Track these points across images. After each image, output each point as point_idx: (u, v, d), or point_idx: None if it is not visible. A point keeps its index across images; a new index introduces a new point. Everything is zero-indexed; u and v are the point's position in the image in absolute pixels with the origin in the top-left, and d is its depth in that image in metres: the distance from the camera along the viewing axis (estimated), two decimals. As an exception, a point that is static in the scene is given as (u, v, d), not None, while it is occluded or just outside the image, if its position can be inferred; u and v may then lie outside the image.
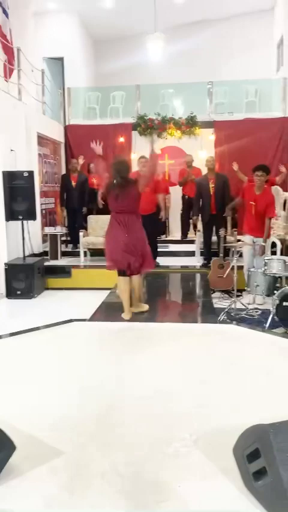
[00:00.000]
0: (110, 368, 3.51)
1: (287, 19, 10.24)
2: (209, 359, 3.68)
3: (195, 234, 8.27)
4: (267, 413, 2.30)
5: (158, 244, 8.19)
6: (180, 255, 8.55)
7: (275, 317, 4.93)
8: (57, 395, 3.07)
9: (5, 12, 7.41)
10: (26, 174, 6.47)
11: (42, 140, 8.56)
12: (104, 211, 8.40)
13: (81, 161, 8.84)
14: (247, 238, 6.08)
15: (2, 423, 2.22)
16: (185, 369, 3.45)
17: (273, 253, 6.60)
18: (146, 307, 5.07)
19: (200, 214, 7.43)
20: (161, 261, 7.80)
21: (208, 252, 7.50)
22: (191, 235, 9.07)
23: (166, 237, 9.68)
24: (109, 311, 5.25)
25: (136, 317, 5.04)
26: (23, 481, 2.14)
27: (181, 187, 9.03)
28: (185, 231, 9.28)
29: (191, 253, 8.33)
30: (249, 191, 6.02)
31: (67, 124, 10.34)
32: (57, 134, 9.63)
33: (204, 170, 8.59)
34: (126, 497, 2.05)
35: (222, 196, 7.18)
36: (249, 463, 1.97)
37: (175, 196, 9.48)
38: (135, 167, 9.34)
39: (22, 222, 6.66)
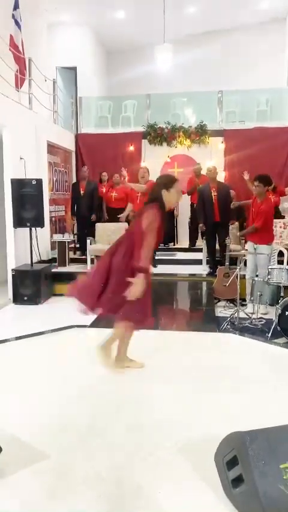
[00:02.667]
0: (103, 374, 3.54)
1: (298, 29, 10.26)
2: (204, 367, 3.69)
3: (203, 242, 8.28)
4: (254, 422, 2.30)
5: (166, 253, 8.23)
6: (188, 263, 8.55)
7: (278, 327, 4.91)
8: (48, 400, 3.12)
9: (17, 23, 7.57)
10: (34, 182, 6.57)
11: (52, 148, 8.69)
12: (110, 219, 8.51)
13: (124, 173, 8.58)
14: (249, 246, 6.07)
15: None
16: (178, 378, 3.47)
17: (281, 262, 6.57)
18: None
19: (204, 222, 7.47)
20: (169, 269, 7.83)
21: (213, 260, 7.50)
22: (199, 243, 9.07)
23: (174, 245, 9.70)
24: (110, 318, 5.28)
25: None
26: (6, 484, 2.19)
27: (189, 196, 9.05)
28: (193, 239, 9.29)
29: (199, 262, 8.33)
30: (254, 200, 6.06)
31: (78, 132, 10.48)
32: (68, 143, 9.76)
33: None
34: (107, 502, 2.07)
35: (225, 205, 7.19)
36: (229, 470, 1.98)
37: (183, 204, 9.51)
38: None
39: (30, 229, 6.75)
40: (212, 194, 7.24)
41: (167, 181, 3.41)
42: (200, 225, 7.63)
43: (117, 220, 8.25)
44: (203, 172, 8.81)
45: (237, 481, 1.91)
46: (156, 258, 3.48)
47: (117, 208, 8.47)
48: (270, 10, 11.00)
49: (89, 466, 2.33)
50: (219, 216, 7.22)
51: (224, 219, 7.20)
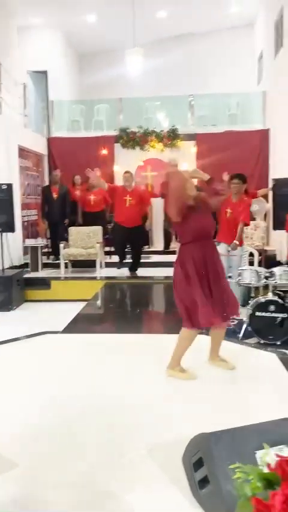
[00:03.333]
0: (76, 380, 3.53)
1: (266, 34, 10.45)
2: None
3: (177, 244, 8.33)
4: (223, 422, 2.32)
5: (141, 255, 8.24)
6: (163, 265, 8.59)
7: (249, 327, 4.97)
8: (20, 406, 3.08)
9: (-15, 27, 7.51)
10: (4, 187, 6.51)
11: (24, 152, 8.62)
12: (87, 223, 8.46)
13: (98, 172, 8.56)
14: (222, 247, 6.13)
15: None
16: (150, 380, 3.48)
17: (251, 263, 6.65)
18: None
19: None
20: (144, 271, 7.86)
21: None
22: (173, 245, 9.13)
23: (149, 247, 9.74)
24: (83, 323, 5.27)
25: (113, 328, 5.08)
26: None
27: (163, 199, 9.08)
28: (167, 241, 9.34)
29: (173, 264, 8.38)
30: (228, 201, 6.07)
31: (50, 136, 10.42)
32: (40, 146, 9.70)
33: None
34: (78, 506, 2.06)
35: None
36: (195, 471, 2.00)
37: (158, 207, 9.56)
38: (117, 180, 9.48)
39: (1, 234, 6.68)
40: None
41: None
42: (171, 228, 7.69)
43: (94, 224, 8.17)
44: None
45: (203, 481, 1.93)
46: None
47: (95, 212, 8.42)
48: (240, 15, 11.18)
49: (59, 471, 2.32)
50: None
51: None
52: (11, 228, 6.64)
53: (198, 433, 2.04)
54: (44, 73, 11.35)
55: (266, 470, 1.10)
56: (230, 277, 5.92)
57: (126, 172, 7.55)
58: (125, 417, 2.89)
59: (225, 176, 7.69)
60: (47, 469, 2.34)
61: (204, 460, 1.90)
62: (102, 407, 3.03)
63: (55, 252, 8.41)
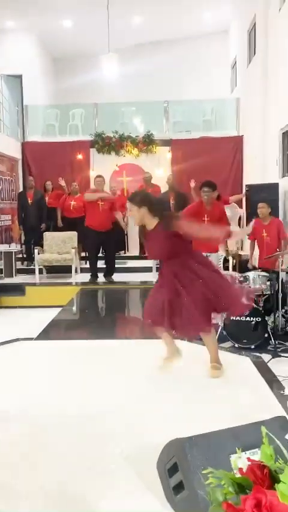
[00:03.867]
0: (49, 387, 3.49)
1: (239, 42, 10.63)
2: (148, 375, 3.70)
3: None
4: (196, 427, 2.33)
5: (117, 261, 8.22)
6: (139, 270, 8.60)
7: (223, 332, 5.01)
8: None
9: None
10: (-23, 191, 6.43)
11: (-2, 157, 8.53)
12: (66, 229, 8.37)
13: (62, 183, 8.78)
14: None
15: None
16: (123, 386, 3.46)
17: (226, 268, 6.72)
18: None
19: None
20: (120, 277, 7.84)
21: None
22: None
23: (125, 253, 9.73)
24: (58, 329, 5.22)
25: (87, 335, 5.05)
26: None
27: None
28: (143, 246, 9.34)
29: (149, 269, 8.40)
30: (199, 208, 6.12)
31: (25, 141, 10.33)
32: (14, 151, 9.60)
33: (164, 188, 8.74)
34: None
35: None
36: (170, 477, 2.00)
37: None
38: (93, 184, 9.45)
39: (-26, 240, 6.58)
40: (171, 203, 7.32)
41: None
42: None
43: (73, 229, 8.13)
44: (156, 180, 8.95)
45: (178, 487, 1.93)
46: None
47: (75, 218, 8.35)
48: (213, 22, 11.33)
49: (31, 481, 2.28)
50: None
51: None
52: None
53: (173, 439, 2.04)
54: (19, 76, 11.25)
55: (238, 474, 1.11)
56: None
57: (98, 176, 7.55)
58: (99, 425, 2.86)
59: (192, 183, 7.80)
60: (18, 479, 2.30)
61: (179, 465, 1.90)
62: (75, 415, 3.00)
63: (30, 258, 8.32)
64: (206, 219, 6.10)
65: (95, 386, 3.50)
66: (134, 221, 3.53)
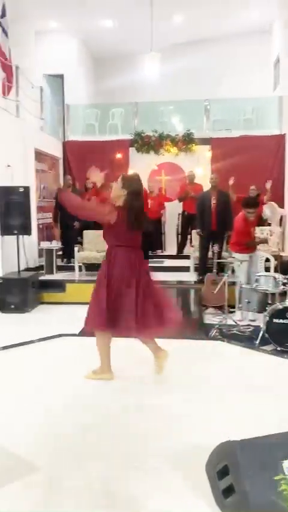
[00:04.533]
0: (92, 384, 3.52)
1: (283, 39, 10.42)
2: (194, 376, 3.69)
3: (192, 249, 8.32)
4: (243, 430, 2.31)
5: (154, 260, 8.21)
6: (176, 270, 8.57)
7: (266, 334, 4.93)
8: (38, 410, 3.09)
9: (4, 31, 7.57)
10: (21, 190, 6.54)
11: (40, 156, 8.67)
12: (100, 227, 8.45)
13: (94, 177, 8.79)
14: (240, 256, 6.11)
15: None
16: (168, 386, 3.47)
17: (267, 269, 6.62)
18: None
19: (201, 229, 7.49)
20: (157, 276, 7.82)
21: (203, 268, 7.52)
22: (187, 250, 9.11)
23: (162, 252, 9.72)
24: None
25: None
26: (-3, 495, 2.16)
27: (181, 203, 9.09)
28: (181, 246, 9.32)
29: (187, 269, 8.36)
30: (245, 223, 6.12)
31: (66, 140, 10.48)
32: (55, 150, 9.76)
33: (205, 187, 8.70)
34: (98, 513, 2.06)
35: (224, 214, 7.20)
36: (220, 479, 1.98)
37: (171, 211, 9.57)
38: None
39: (17, 237, 6.71)
40: (212, 202, 7.26)
41: None
42: (197, 230, 7.63)
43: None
44: (195, 179, 8.93)
45: (228, 490, 1.92)
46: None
47: None
48: (255, 20, 11.13)
49: (79, 477, 2.31)
50: (216, 225, 7.22)
51: (220, 228, 7.19)
52: (27, 231, 6.67)
53: (223, 441, 2.02)
54: (61, 76, 11.44)
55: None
56: (247, 283, 5.93)
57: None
58: (142, 423, 2.87)
59: (231, 181, 7.72)
60: (66, 475, 2.34)
61: (230, 468, 1.89)
62: (119, 412, 3.03)
63: (67, 255, 8.43)
64: (251, 229, 6.12)
65: (138, 382, 3.52)
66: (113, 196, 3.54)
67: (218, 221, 7.20)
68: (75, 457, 2.51)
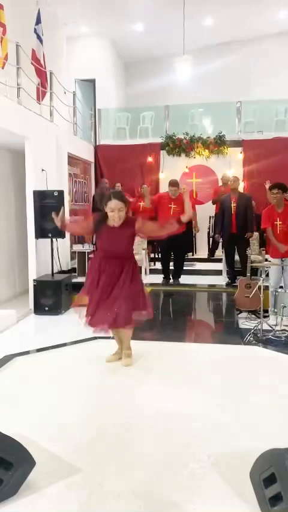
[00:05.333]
0: (129, 386, 3.53)
1: None
2: (231, 380, 3.66)
3: (223, 252, 8.26)
4: (286, 437, 2.27)
5: (185, 263, 8.18)
6: (207, 273, 8.53)
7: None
8: (76, 413, 3.11)
9: (39, 38, 7.71)
10: (55, 193, 6.64)
11: (72, 160, 8.78)
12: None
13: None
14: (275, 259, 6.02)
15: (23, 438, 2.27)
16: (205, 391, 3.44)
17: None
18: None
19: (221, 233, 7.46)
20: (188, 279, 7.82)
21: (232, 271, 7.47)
22: (218, 253, 9.05)
23: (193, 255, 9.68)
24: (134, 330, 5.26)
25: (158, 336, 5.07)
26: (41, 497, 2.18)
27: (214, 205, 9.06)
28: (213, 249, 9.27)
29: (219, 272, 8.30)
30: (271, 213, 5.99)
31: (97, 144, 10.58)
32: (87, 154, 9.86)
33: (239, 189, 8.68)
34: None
35: (244, 216, 7.16)
36: (266, 487, 1.95)
37: (202, 213, 9.52)
38: (162, 187, 9.50)
39: (51, 240, 6.80)
40: (232, 205, 7.22)
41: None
42: (216, 235, 7.62)
43: None
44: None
45: (276, 499, 1.88)
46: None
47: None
48: (287, 21, 11.01)
49: (121, 480, 2.32)
50: (235, 227, 7.18)
51: (241, 231, 7.16)
52: (61, 234, 6.74)
53: (271, 448, 1.99)
54: (92, 81, 11.56)
55: None
56: (281, 287, 5.84)
57: (173, 184, 7.52)
58: (183, 427, 2.86)
59: (268, 185, 7.62)
60: (107, 478, 2.34)
61: (278, 476, 1.85)
62: (158, 416, 3.02)
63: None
64: (278, 222, 5.96)
65: (174, 386, 3.51)
66: (117, 220, 3.69)
67: (237, 224, 7.16)
68: (115, 459, 2.52)
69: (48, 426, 2.89)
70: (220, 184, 9.24)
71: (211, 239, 9.34)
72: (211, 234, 9.36)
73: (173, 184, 7.51)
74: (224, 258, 8.02)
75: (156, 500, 2.18)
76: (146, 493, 2.23)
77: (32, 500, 2.15)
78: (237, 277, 7.05)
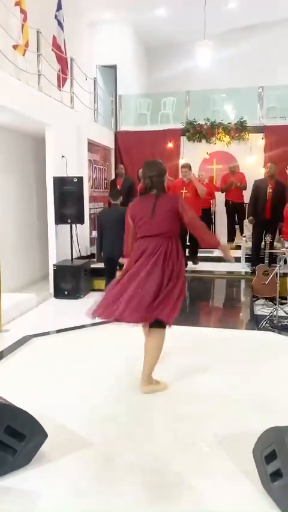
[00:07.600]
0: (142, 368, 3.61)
1: None
2: (243, 364, 3.71)
3: (243, 239, 8.23)
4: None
5: (203, 250, 8.19)
6: (226, 260, 8.50)
7: None
8: (91, 390, 3.22)
9: (60, 24, 7.73)
10: (75, 180, 6.72)
11: (92, 146, 8.84)
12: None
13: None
14: None
15: (37, 413, 2.38)
16: (218, 373, 3.51)
17: None
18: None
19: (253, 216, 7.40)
20: (206, 266, 7.83)
21: (256, 257, 7.42)
22: (237, 240, 9.02)
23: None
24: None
25: (174, 320, 5.13)
26: (53, 467, 2.31)
27: (223, 193, 9.04)
28: (231, 236, 9.23)
29: (237, 259, 8.27)
30: None
31: (118, 130, 10.60)
32: (107, 140, 9.90)
33: (250, 175, 8.60)
34: (149, 491, 2.14)
35: (279, 203, 7.09)
36: (267, 464, 2.01)
37: (221, 201, 9.48)
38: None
39: (71, 226, 6.92)
40: (268, 191, 7.15)
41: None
42: (250, 218, 7.55)
43: None
44: (248, 167, 8.81)
45: (276, 475, 1.94)
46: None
47: None
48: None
49: (131, 455, 2.41)
50: (270, 213, 7.14)
51: (274, 217, 7.12)
52: (80, 220, 6.85)
53: (272, 426, 2.05)
54: (113, 67, 11.53)
55: None
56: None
57: (184, 166, 7.54)
58: (193, 407, 2.94)
59: None
60: (118, 452, 2.45)
61: (278, 453, 1.91)
62: (169, 396, 3.10)
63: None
64: None
65: (187, 367, 3.58)
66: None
67: (272, 210, 7.10)
68: (127, 435, 2.62)
69: (63, 404, 3.01)
70: (228, 172, 9.17)
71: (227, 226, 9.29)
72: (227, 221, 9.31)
73: (184, 165, 7.53)
74: (242, 245, 7.99)
75: (163, 474, 2.27)
76: (153, 467, 2.32)
77: (44, 470, 2.27)
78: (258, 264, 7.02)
